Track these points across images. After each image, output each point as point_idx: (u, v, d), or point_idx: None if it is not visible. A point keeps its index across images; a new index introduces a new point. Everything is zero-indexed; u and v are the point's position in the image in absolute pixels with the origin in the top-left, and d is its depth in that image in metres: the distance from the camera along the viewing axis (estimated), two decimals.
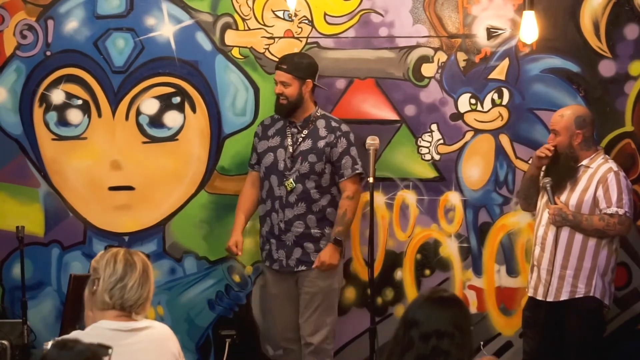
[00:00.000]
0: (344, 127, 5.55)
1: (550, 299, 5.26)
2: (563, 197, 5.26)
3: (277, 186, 5.52)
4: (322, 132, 5.52)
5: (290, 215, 5.48)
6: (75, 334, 3.48)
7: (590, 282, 5.21)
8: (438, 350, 2.95)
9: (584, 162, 5.27)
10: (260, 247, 5.70)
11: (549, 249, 5.26)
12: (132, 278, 3.48)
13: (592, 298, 5.21)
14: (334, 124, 5.55)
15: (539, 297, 5.29)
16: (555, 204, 5.20)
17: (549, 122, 5.42)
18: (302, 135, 5.51)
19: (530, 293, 5.37)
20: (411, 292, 5.86)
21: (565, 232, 5.23)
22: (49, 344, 2.75)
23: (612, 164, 5.28)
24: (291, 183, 5.47)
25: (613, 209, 5.17)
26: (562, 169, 5.27)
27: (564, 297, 5.23)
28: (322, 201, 5.51)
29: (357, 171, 5.52)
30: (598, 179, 5.21)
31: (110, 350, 2.73)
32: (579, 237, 5.22)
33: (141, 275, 3.49)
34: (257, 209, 5.69)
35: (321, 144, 5.49)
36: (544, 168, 5.37)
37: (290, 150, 5.51)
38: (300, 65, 5.51)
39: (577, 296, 5.22)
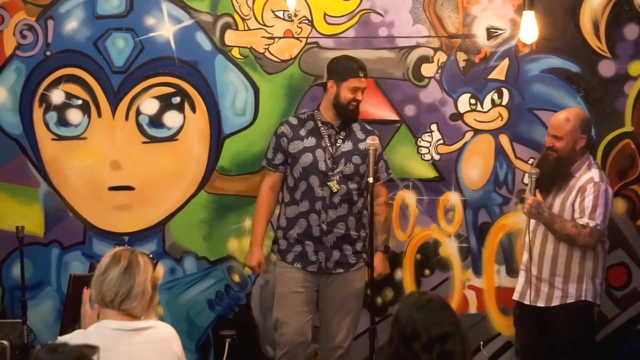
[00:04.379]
0: (376, 131, 5.49)
1: (541, 304, 5.17)
2: (547, 201, 5.14)
3: (318, 187, 5.35)
4: (360, 134, 5.43)
5: (333, 217, 5.34)
6: (77, 334, 3.49)
7: (581, 287, 5.12)
8: (446, 353, 2.94)
9: (571, 169, 5.15)
10: (282, 249, 5.42)
11: (536, 256, 5.18)
12: (112, 273, 3.49)
13: (583, 302, 5.12)
14: (368, 127, 5.49)
15: (526, 302, 5.19)
16: (535, 196, 5.07)
17: (549, 124, 5.28)
18: (341, 137, 5.40)
19: (516, 297, 5.27)
20: None
21: (551, 240, 5.14)
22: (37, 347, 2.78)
23: (594, 173, 5.12)
24: (336, 184, 5.36)
25: (585, 220, 5.04)
26: (558, 174, 5.14)
27: (555, 302, 5.14)
28: (359, 203, 5.40)
29: (391, 175, 5.53)
30: (579, 188, 5.10)
31: (96, 350, 2.75)
32: (564, 244, 5.12)
33: (123, 271, 3.49)
34: (287, 211, 5.45)
35: (362, 145, 5.38)
36: (535, 162, 5.29)
37: (331, 151, 5.40)
38: None
39: (568, 301, 5.12)
